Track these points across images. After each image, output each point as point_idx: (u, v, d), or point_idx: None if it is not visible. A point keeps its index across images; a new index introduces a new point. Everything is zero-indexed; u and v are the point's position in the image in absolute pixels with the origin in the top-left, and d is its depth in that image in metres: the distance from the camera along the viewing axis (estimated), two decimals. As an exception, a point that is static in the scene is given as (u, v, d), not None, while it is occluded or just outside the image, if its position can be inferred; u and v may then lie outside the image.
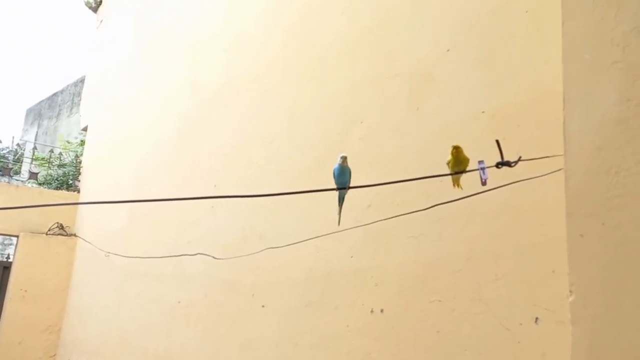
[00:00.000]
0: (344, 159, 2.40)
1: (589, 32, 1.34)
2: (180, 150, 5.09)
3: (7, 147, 11.12)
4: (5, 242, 11.20)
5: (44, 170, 8.04)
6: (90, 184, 7.15)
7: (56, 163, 8.06)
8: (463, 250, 2.39)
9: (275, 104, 3.98)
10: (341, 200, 2.52)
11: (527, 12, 2.29)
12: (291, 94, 3.85)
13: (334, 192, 2.48)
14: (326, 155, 3.35)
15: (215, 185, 4.39)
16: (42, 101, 13.45)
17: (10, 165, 7.94)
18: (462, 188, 2.06)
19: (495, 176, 2.00)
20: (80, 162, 7.68)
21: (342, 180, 2.42)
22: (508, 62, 2.37)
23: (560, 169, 1.38)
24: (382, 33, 3.16)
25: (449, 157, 2.01)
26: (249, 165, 4.08)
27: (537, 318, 2.05)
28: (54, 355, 6.64)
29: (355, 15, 3.41)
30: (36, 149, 8.77)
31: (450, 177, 2.04)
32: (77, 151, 8.11)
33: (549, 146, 2.03)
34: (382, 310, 2.74)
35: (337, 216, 2.55)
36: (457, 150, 2.01)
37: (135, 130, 6.12)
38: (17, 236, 6.76)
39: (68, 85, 12.32)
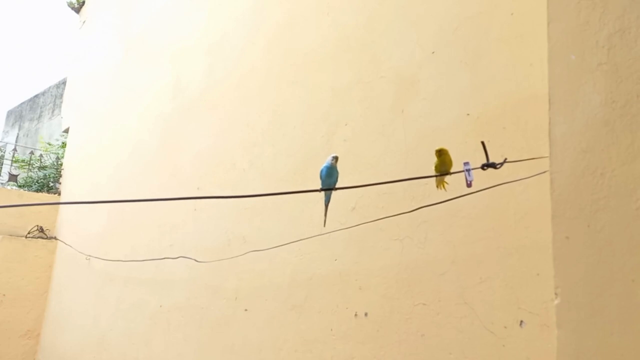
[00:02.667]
0: (336, 159, 2.34)
1: (574, 33, 1.34)
2: (163, 153, 5.04)
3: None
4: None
5: (24, 172, 7.91)
6: (71, 187, 7.05)
7: (36, 165, 7.94)
8: (447, 253, 2.38)
9: (258, 107, 3.95)
10: (327, 201, 2.47)
11: (512, 14, 2.30)
12: (274, 96, 3.83)
13: (319, 194, 2.43)
14: (310, 158, 3.33)
15: (198, 188, 4.34)
16: (23, 103, 13.25)
17: (-11, 168, 7.82)
18: (446, 189, 2.05)
19: (480, 179, 1.99)
20: (61, 165, 7.57)
21: (330, 181, 2.36)
22: (493, 65, 2.37)
23: (545, 171, 1.37)
24: (367, 35, 3.15)
25: (436, 160, 2.01)
26: (231, 169, 4.04)
27: (521, 321, 2.04)
28: (33, 361, 6.53)
29: (340, 17, 3.39)
30: (16, 150, 8.63)
31: (435, 179, 2.03)
32: (58, 153, 8.00)
33: (533, 149, 2.03)
34: (366, 314, 2.72)
35: (323, 217, 2.51)
36: (440, 153, 2.00)
37: (117, 132, 6.05)
38: (-5, 239, 6.64)
39: (50, 87, 12.14)
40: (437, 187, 2.06)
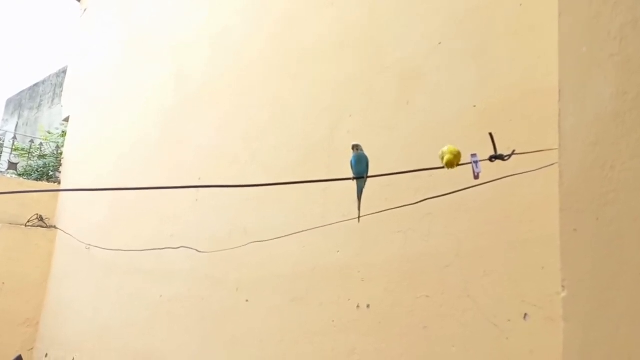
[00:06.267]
0: (355, 146, 2.30)
1: (586, 25, 1.32)
2: (164, 144, 5.02)
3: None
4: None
5: (24, 161, 7.89)
6: (71, 176, 7.02)
7: (36, 154, 7.92)
8: (451, 246, 2.37)
9: (261, 98, 3.93)
10: (360, 192, 2.38)
11: (521, 5, 2.28)
12: (276, 88, 3.80)
13: (326, 185, 2.39)
14: (313, 151, 3.32)
15: (199, 179, 4.32)
16: (23, 91, 13.21)
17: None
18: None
19: (486, 171, 1.98)
20: (61, 154, 7.55)
21: (360, 169, 2.30)
22: (500, 56, 2.35)
23: (553, 164, 1.36)
24: (371, 25, 3.12)
25: (446, 152, 1.96)
26: (234, 161, 4.02)
27: (526, 314, 2.04)
28: (32, 349, 6.52)
29: (343, 7, 3.37)
30: (16, 139, 8.61)
31: (442, 169, 2.02)
32: (58, 142, 7.98)
33: (540, 142, 2.02)
34: (368, 306, 2.72)
35: (356, 211, 2.41)
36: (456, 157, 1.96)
37: (118, 123, 6.03)
38: (-5, 227, 6.63)
39: (50, 76, 12.09)
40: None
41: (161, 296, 4.42)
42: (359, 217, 2.43)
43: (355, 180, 2.34)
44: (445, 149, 1.93)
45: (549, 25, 1.63)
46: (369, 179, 2.34)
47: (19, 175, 7.68)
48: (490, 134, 1.78)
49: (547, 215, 1.94)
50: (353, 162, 2.31)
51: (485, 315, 2.18)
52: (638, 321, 1.10)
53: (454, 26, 2.59)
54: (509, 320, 2.09)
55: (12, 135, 9.16)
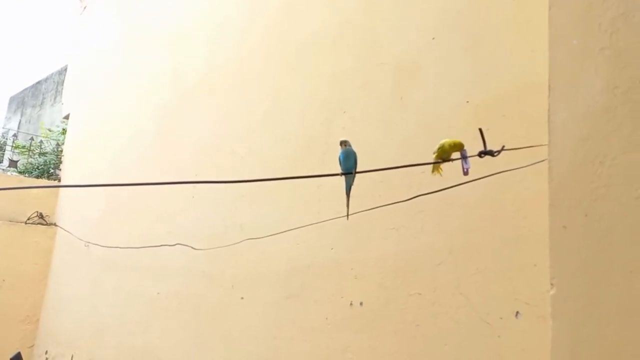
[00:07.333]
0: (343, 142, 2.26)
1: (576, 17, 1.30)
2: (161, 139, 5.01)
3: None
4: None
5: (25, 158, 7.89)
6: (71, 173, 7.03)
7: (37, 151, 7.92)
8: (444, 243, 2.36)
9: (257, 93, 3.91)
10: (348, 188, 2.33)
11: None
12: (273, 82, 3.79)
13: (321, 182, 2.35)
14: (309, 145, 3.31)
15: (196, 175, 4.32)
16: (26, 89, 13.23)
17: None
18: (441, 175, 1.99)
19: (478, 167, 1.96)
20: (61, 151, 7.55)
21: (348, 165, 2.26)
22: (494, 51, 2.33)
23: (544, 160, 1.34)
24: (366, 21, 3.10)
25: (448, 142, 1.92)
26: (230, 156, 4.01)
27: (517, 312, 2.02)
28: (32, 346, 6.53)
29: (339, 2, 3.35)
30: (16, 137, 8.62)
31: (431, 166, 1.99)
32: (58, 140, 7.98)
33: (534, 137, 1.99)
34: (361, 303, 2.71)
35: (346, 208, 2.36)
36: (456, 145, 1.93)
37: (117, 119, 6.02)
38: (-5, 225, 6.63)
39: (52, 74, 12.10)
40: (432, 172, 2.01)
41: (158, 293, 4.42)
42: (347, 215, 2.40)
43: (344, 177, 2.30)
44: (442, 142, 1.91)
45: (543, 18, 1.61)
46: (360, 176, 2.31)
47: (20, 172, 7.68)
48: (480, 130, 1.76)
49: (540, 212, 1.91)
50: (341, 158, 2.27)
51: (478, 313, 2.16)
52: (627, 319, 1.08)
53: (448, 21, 2.57)
54: (501, 318, 2.07)
55: (13, 133, 9.17)
